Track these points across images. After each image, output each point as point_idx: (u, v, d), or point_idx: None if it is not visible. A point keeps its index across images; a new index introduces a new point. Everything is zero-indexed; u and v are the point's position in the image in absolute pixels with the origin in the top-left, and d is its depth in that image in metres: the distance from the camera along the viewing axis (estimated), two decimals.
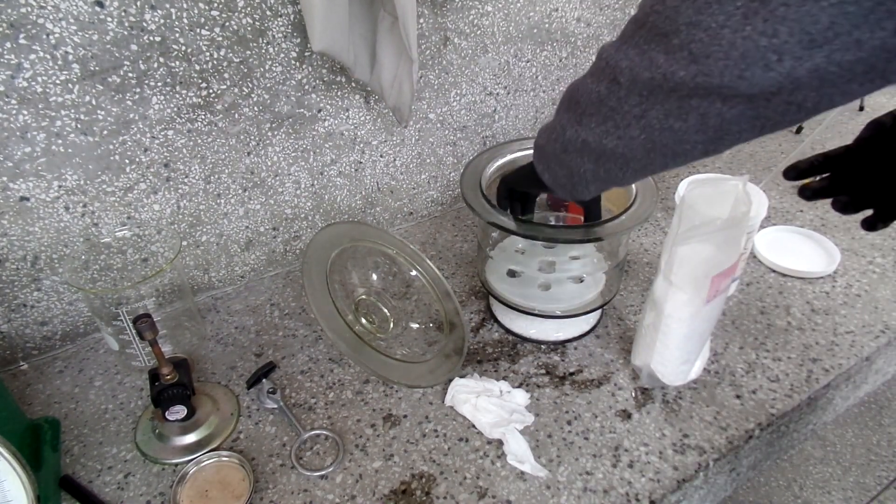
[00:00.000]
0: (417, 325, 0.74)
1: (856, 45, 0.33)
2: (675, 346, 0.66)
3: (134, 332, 0.70)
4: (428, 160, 1.02)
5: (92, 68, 0.67)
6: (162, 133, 0.75)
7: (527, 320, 0.79)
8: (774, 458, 0.78)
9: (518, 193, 0.68)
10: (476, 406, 0.69)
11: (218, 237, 0.87)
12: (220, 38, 0.73)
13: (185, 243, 0.85)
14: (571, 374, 0.75)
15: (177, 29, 0.70)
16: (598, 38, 1.08)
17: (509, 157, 0.79)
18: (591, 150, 0.50)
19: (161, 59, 0.70)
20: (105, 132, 0.71)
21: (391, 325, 0.73)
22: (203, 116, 0.77)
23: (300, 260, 0.96)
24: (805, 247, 0.95)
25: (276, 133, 0.83)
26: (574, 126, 0.51)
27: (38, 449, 0.65)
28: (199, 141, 0.78)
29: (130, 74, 0.69)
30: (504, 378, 0.74)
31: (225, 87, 0.76)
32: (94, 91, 0.68)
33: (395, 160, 0.98)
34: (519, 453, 0.64)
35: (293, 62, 0.79)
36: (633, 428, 0.68)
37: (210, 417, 0.69)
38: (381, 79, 0.79)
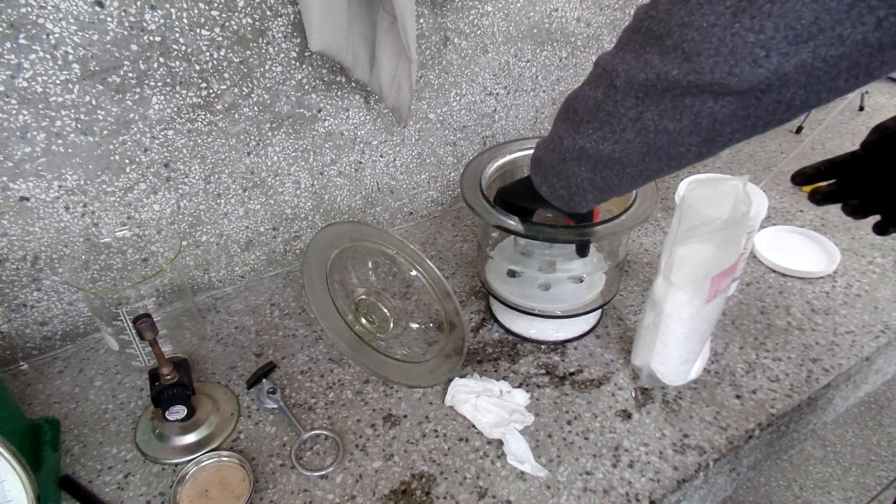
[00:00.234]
0: (417, 325, 0.74)
1: (839, 41, 0.34)
2: (675, 346, 0.66)
3: (134, 332, 0.70)
4: (428, 160, 1.02)
5: (92, 68, 0.67)
6: (162, 133, 0.75)
7: (527, 320, 0.79)
8: (774, 458, 0.78)
9: (515, 207, 0.68)
10: (476, 406, 0.69)
11: (218, 237, 0.87)
12: (220, 38, 0.73)
13: (185, 243, 0.85)
14: (571, 374, 0.75)
15: (177, 29, 0.70)
16: (597, 38, 1.08)
17: (509, 157, 0.79)
18: (589, 157, 0.51)
19: (161, 59, 0.70)
20: (105, 132, 0.71)
21: (391, 325, 0.73)
22: (203, 116, 0.77)
23: (300, 260, 0.96)
24: (805, 247, 0.95)
25: (276, 133, 0.83)
26: (572, 135, 0.52)
27: (38, 449, 0.65)
28: (199, 141, 0.78)
29: (130, 74, 0.69)
30: (504, 378, 0.74)
31: (225, 87, 0.76)
32: (94, 91, 0.68)
33: (395, 160, 0.98)
34: (519, 453, 0.64)
35: (293, 62, 0.79)
36: (633, 428, 0.68)
37: (210, 417, 0.69)
38: (380, 79, 0.79)
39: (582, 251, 0.73)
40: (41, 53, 0.64)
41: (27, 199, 0.71)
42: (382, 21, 0.75)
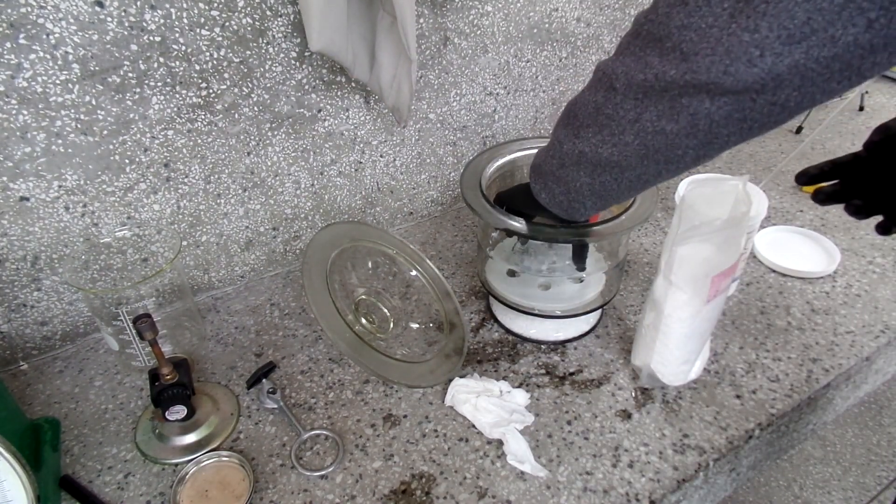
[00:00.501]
0: (417, 325, 0.74)
1: (831, 42, 0.35)
2: (675, 346, 0.66)
3: (134, 332, 0.70)
4: (428, 160, 1.02)
5: (92, 68, 0.67)
6: (162, 133, 0.75)
7: (527, 320, 0.79)
8: (774, 458, 0.78)
9: (513, 212, 0.68)
10: (476, 406, 0.69)
11: (218, 237, 0.87)
12: (220, 38, 0.73)
13: (185, 243, 0.85)
14: (571, 374, 0.75)
15: (177, 29, 0.70)
16: (597, 38, 1.08)
17: (509, 157, 0.79)
18: (588, 161, 0.51)
19: (161, 59, 0.70)
20: (105, 132, 0.71)
21: (391, 325, 0.73)
22: (203, 116, 0.77)
23: (300, 260, 0.96)
24: (805, 247, 0.95)
25: (276, 133, 0.83)
26: (571, 140, 0.52)
27: (38, 449, 0.65)
28: (199, 141, 0.78)
29: (130, 74, 0.69)
30: (504, 378, 0.74)
31: (225, 87, 0.76)
32: (94, 91, 0.68)
33: (395, 160, 0.98)
34: (519, 453, 0.64)
35: (293, 62, 0.79)
36: (633, 428, 0.68)
37: (210, 417, 0.69)
38: (380, 79, 0.79)
39: (579, 262, 0.73)
40: (41, 53, 0.64)
41: (27, 199, 0.71)
42: (382, 21, 0.75)
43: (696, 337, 0.66)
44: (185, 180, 0.80)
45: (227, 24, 0.72)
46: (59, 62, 0.65)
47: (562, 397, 0.72)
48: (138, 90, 0.71)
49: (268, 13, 0.74)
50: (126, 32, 0.67)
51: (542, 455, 0.65)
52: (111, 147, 0.72)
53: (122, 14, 0.66)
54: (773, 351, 0.77)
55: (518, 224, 0.67)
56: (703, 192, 0.61)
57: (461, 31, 0.91)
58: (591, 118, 0.49)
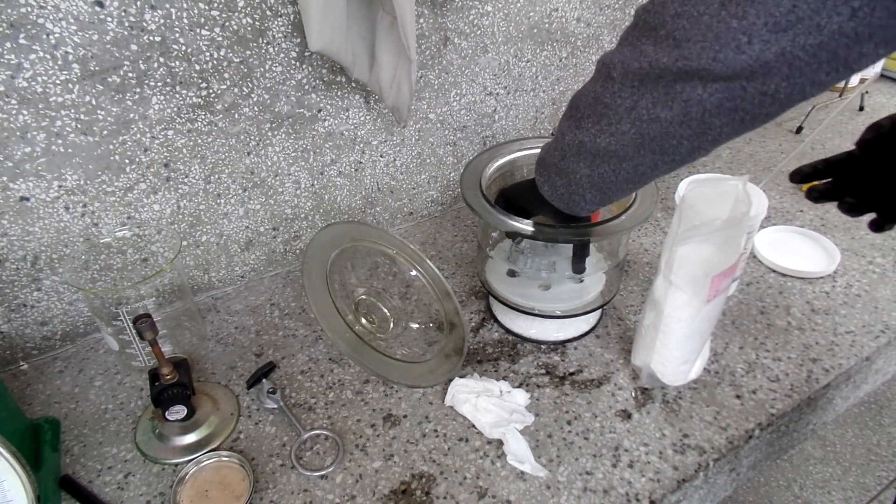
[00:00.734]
0: (417, 325, 0.74)
1: (816, 30, 0.36)
2: (675, 346, 0.66)
3: (134, 332, 0.70)
4: (428, 160, 1.02)
5: (92, 68, 0.67)
6: (162, 133, 0.75)
7: (527, 320, 0.79)
8: (774, 458, 0.78)
9: (517, 208, 0.68)
10: (476, 406, 0.69)
11: (218, 237, 0.87)
12: (220, 38, 0.73)
13: (185, 243, 0.85)
14: (571, 374, 0.75)
15: (177, 29, 0.70)
16: (597, 38, 1.08)
17: (509, 157, 0.79)
18: (587, 152, 0.51)
19: (161, 59, 0.70)
20: (105, 132, 0.71)
21: (391, 325, 0.73)
22: (203, 116, 0.77)
23: (300, 260, 0.96)
24: (805, 247, 0.95)
25: (276, 133, 0.83)
26: (573, 131, 0.53)
27: (38, 449, 0.65)
28: (199, 141, 0.78)
29: (130, 74, 0.69)
30: (504, 378, 0.74)
31: (225, 87, 0.76)
32: (94, 91, 0.68)
33: (395, 160, 0.98)
34: (519, 453, 0.64)
35: (293, 62, 0.79)
36: (633, 428, 0.68)
37: (210, 417, 0.69)
38: (379, 79, 0.79)
39: (579, 264, 0.73)
40: (41, 53, 0.64)
41: (27, 199, 0.71)
42: (382, 21, 0.75)
43: (696, 337, 0.66)
44: (185, 180, 0.80)
45: (227, 24, 0.72)
46: (59, 62, 0.65)
47: (562, 397, 0.72)
48: (138, 90, 0.71)
49: (268, 13, 0.74)
50: (126, 32, 0.67)
51: (542, 455, 0.65)
52: (111, 147, 0.72)
53: (122, 14, 0.66)
54: (773, 351, 0.77)
55: (517, 224, 0.67)
56: (703, 192, 0.61)
57: (461, 31, 0.91)
58: (591, 108, 0.50)
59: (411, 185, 1.03)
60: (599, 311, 0.82)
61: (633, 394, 0.72)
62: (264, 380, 0.74)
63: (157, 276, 0.72)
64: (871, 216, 0.58)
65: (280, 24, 0.76)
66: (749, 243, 0.82)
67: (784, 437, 0.75)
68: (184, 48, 0.71)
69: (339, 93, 0.86)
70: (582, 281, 0.79)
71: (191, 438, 0.67)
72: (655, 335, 0.67)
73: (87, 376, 0.77)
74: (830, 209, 1.03)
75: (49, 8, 0.62)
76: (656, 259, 0.93)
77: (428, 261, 0.66)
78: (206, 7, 0.70)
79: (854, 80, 1.45)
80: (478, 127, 1.04)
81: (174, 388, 0.64)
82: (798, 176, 0.61)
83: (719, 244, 0.59)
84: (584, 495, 0.61)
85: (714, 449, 0.65)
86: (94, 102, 0.69)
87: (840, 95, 1.38)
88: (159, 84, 0.72)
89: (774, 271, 0.91)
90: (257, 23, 0.74)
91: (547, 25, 1.00)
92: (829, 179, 0.60)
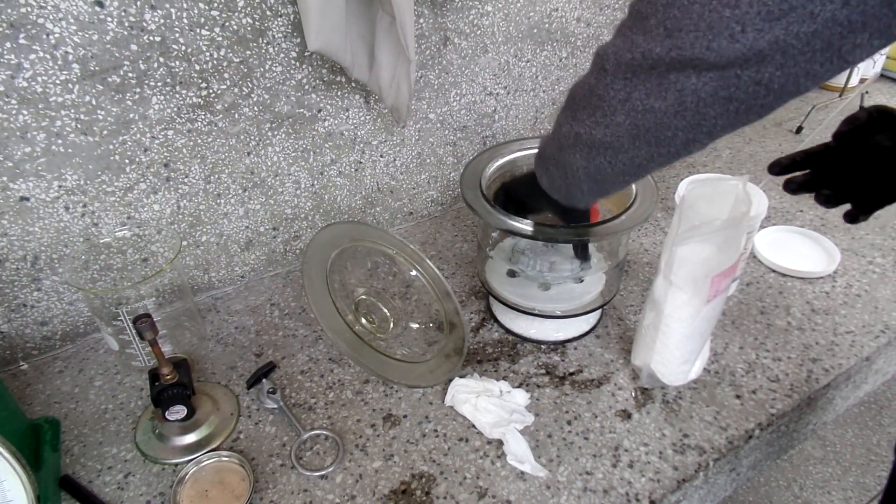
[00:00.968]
0: (417, 325, 0.74)
1: (810, 17, 0.35)
2: (675, 346, 0.66)
3: (134, 332, 0.70)
4: (428, 160, 1.02)
5: (92, 68, 0.67)
6: (162, 133, 0.75)
7: (527, 320, 0.79)
8: (774, 458, 0.78)
9: (516, 201, 0.69)
10: (476, 406, 0.69)
11: (218, 237, 0.87)
12: (220, 38, 0.73)
13: (185, 243, 0.85)
14: (571, 374, 0.75)
15: (177, 29, 0.70)
16: (598, 38, 1.08)
17: (509, 157, 0.79)
18: (583, 143, 0.52)
19: (161, 59, 0.70)
20: (105, 132, 0.71)
21: (391, 325, 0.73)
22: (203, 116, 0.77)
23: (300, 260, 0.96)
24: (805, 247, 0.95)
25: (276, 133, 0.83)
26: (569, 122, 0.53)
27: (38, 449, 0.65)
28: (199, 141, 0.78)
29: (130, 74, 0.69)
30: (504, 378, 0.74)
31: (225, 87, 0.76)
32: (94, 91, 0.68)
33: (395, 160, 0.98)
34: (519, 453, 0.64)
35: (293, 62, 0.79)
36: (633, 428, 0.68)
37: (210, 417, 0.69)
38: (379, 79, 0.79)
39: (583, 256, 0.73)
40: (41, 53, 0.64)
41: (27, 199, 0.71)
42: (381, 21, 0.75)
43: (696, 337, 0.66)
44: (185, 180, 0.80)
45: (227, 24, 0.72)
46: (59, 62, 0.65)
47: (562, 397, 0.72)
48: (138, 90, 0.71)
49: (268, 13, 0.74)
50: (126, 32, 0.67)
51: (542, 455, 0.65)
52: (111, 147, 0.72)
53: (122, 14, 0.66)
54: (773, 351, 0.77)
55: (517, 224, 0.67)
56: (703, 192, 0.61)
57: (461, 31, 0.91)
58: (586, 100, 0.50)
59: (411, 185, 1.03)
60: (599, 311, 0.82)
61: (633, 394, 0.72)
62: (264, 380, 0.74)
63: (157, 276, 0.72)
64: (845, 207, 0.59)
65: (280, 24, 0.76)
66: (749, 243, 0.82)
67: (784, 437, 0.75)
68: (184, 48, 0.71)
69: (339, 93, 0.86)
70: (582, 281, 0.79)
71: (191, 438, 0.67)
72: (655, 335, 0.67)
73: (87, 376, 0.77)
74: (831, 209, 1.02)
75: (49, 8, 0.62)
76: (656, 259, 0.93)
77: (428, 261, 0.66)
78: (206, 7, 0.70)
79: (854, 79, 1.45)
80: (478, 127, 1.04)
81: (174, 388, 0.64)
82: (777, 168, 0.61)
83: (719, 244, 0.59)
84: (584, 495, 0.61)
85: (714, 449, 0.65)
86: (94, 102, 0.69)
87: (840, 95, 1.38)
88: (159, 84, 0.72)
89: (774, 271, 0.91)
90: (257, 23, 0.74)
91: (547, 25, 1.00)
92: (807, 171, 0.60)
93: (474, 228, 1.04)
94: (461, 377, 0.72)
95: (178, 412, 0.65)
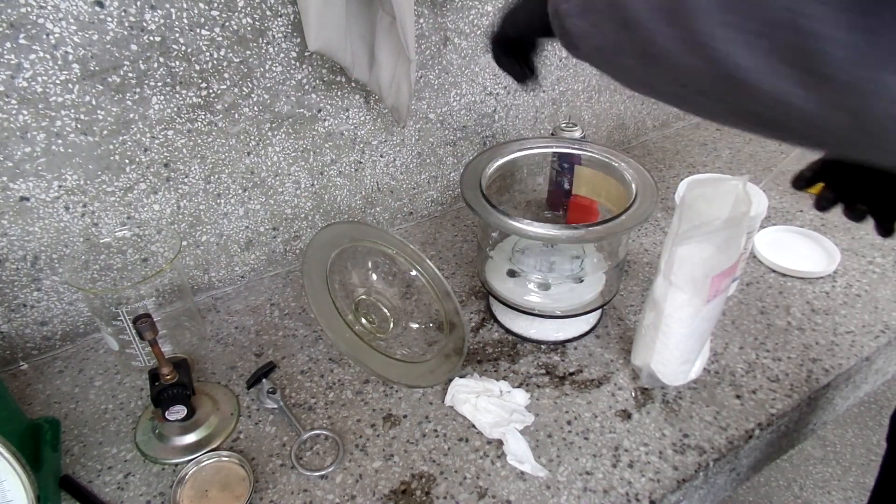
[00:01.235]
0: (417, 325, 0.74)
1: None
2: (675, 346, 0.66)
3: (134, 332, 0.70)
4: (428, 160, 1.02)
5: (92, 68, 0.67)
6: (162, 133, 0.75)
7: (527, 320, 0.79)
8: (774, 458, 0.78)
9: (513, 48, 0.55)
10: (476, 406, 0.69)
11: (218, 237, 0.87)
12: (220, 38, 0.73)
13: (185, 243, 0.85)
14: (571, 374, 0.75)
15: (177, 29, 0.70)
16: None
17: (509, 157, 0.79)
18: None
19: (161, 59, 0.70)
20: (105, 132, 0.71)
21: (391, 325, 0.73)
22: (203, 116, 0.77)
23: (300, 260, 0.96)
24: (805, 247, 0.95)
25: (276, 133, 0.83)
26: None
27: (38, 449, 0.65)
28: (199, 141, 0.78)
29: (130, 74, 0.69)
30: (504, 378, 0.74)
31: (225, 87, 0.76)
32: (94, 91, 0.68)
33: (395, 160, 0.98)
34: (519, 453, 0.64)
35: (293, 62, 0.79)
36: (633, 428, 0.68)
37: (210, 417, 0.69)
38: (379, 79, 0.79)
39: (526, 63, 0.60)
40: (41, 53, 0.64)
41: (27, 199, 0.71)
42: (382, 21, 0.75)
43: (696, 337, 0.66)
44: (185, 180, 0.80)
45: (227, 24, 0.72)
46: (59, 62, 0.65)
47: (562, 397, 0.72)
48: (138, 90, 0.71)
49: (268, 13, 0.74)
50: (126, 32, 0.67)
51: (542, 455, 0.65)
52: (111, 147, 0.72)
53: (122, 14, 0.66)
54: (773, 351, 0.77)
55: (518, 224, 0.67)
56: (703, 192, 0.61)
57: (461, 31, 0.91)
58: None
59: (411, 185, 1.03)
60: (599, 311, 0.82)
61: (633, 394, 0.72)
62: (264, 380, 0.74)
63: (157, 276, 0.72)
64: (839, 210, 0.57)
65: (280, 24, 0.76)
66: (749, 243, 0.82)
67: (784, 437, 0.75)
68: (184, 48, 0.71)
69: (339, 93, 0.86)
70: (582, 281, 0.79)
71: (191, 438, 0.67)
72: (655, 335, 0.67)
73: (87, 376, 0.77)
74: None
75: (49, 8, 0.62)
76: (656, 259, 0.93)
77: (428, 261, 0.66)
78: (206, 7, 0.70)
79: None
80: (478, 127, 1.04)
81: (174, 388, 0.64)
82: (801, 181, 0.59)
83: (719, 244, 0.59)
84: (584, 495, 0.61)
85: (714, 449, 0.65)
86: (94, 102, 0.69)
87: None
88: (159, 84, 0.72)
89: (774, 271, 0.91)
90: (257, 23, 0.74)
91: None
92: (833, 192, 0.58)
93: (474, 228, 1.04)
94: (461, 377, 0.72)
95: (178, 412, 0.66)
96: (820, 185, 0.59)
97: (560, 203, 0.85)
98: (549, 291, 0.78)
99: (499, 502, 0.61)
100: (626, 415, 0.69)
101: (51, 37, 0.64)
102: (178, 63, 0.72)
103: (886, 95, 0.27)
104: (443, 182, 1.06)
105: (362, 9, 0.74)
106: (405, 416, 0.70)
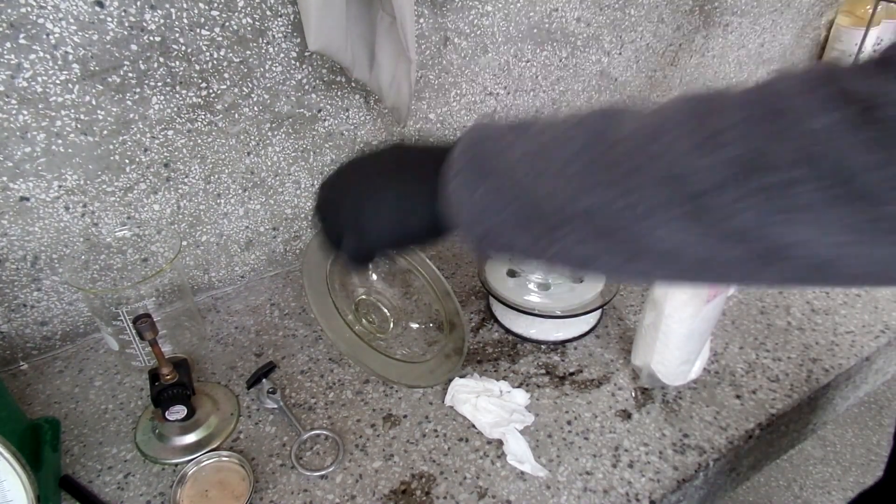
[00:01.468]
0: (417, 325, 0.74)
1: None
2: (675, 346, 0.66)
3: (134, 332, 0.70)
4: None
5: (92, 68, 0.67)
6: (162, 133, 0.75)
7: (527, 320, 0.79)
8: (774, 458, 0.78)
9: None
10: (476, 406, 0.69)
11: (218, 237, 0.87)
12: (220, 38, 0.73)
13: (185, 243, 0.85)
14: (571, 374, 0.75)
15: (177, 29, 0.70)
16: (597, 38, 1.08)
17: None
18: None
19: (161, 59, 0.70)
20: (105, 132, 0.71)
21: (391, 325, 0.73)
22: (203, 116, 0.77)
23: (300, 260, 0.96)
24: None
25: (276, 133, 0.83)
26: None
27: (38, 449, 0.65)
28: (199, 141, 0.78)
29: (130, 74, 0.69)
30: (504, 378, 0.74)
31: (225, 87, 0.76)
32: (94, 91, 0.68)
33: None
34: (519, 453, 0.64)
35: (293, 62, 0.79)
36: (633, 428, 0.68)
37: (210, 417, 0.69)
38: (379, 79, 0.79)
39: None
40: (41, 53, 0.64)
41: (27, 199, 0.71)
42: (382, 21, 0.75)
43: (696, 337, 0.66)
44: (185, 180, 0.80)
45: (227, 24, 0.72)
46: (59, 62, 0.65)
47: (562, 397, 0.72)
48: (138, 90, 0.71)
49: (268, 13, 0.74)
50: (126, 32, 0.67)
51: (542, 455, 0.65)
52: (111, 147, 0.72)
53: (122, 14, 0.66)
54: (773, 351, 0.77)
55: None
56: None
57: (461, 31, 0.91)
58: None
59: None
60: (599, 311, 0.82)
61: (633, 394, 0.72)
62: (264, 380, 0.74)
63: (157, 276, 0.72)
64: None
65: (280, 24, 0.76)
66: None
67: (784, 437, 0.75)
68: (184, 48, 0.71)
69: (339, 93, 0.86)
70: (582, 281, 0.79)
71: (191, 438, 0.67)
72: (655, 335, 0.67)
73: (87, 376, 0.77)
74: None
75: (49, 8, 0.62)
76: None
77: (428, 261, 0.66)
78: (206, 7, 0.70)
79: None
80: None
81: (174, 388, 0.64)
82: None
83: None
84: (584, 495, 0.61)
85: (714, 449, 0.65)
86: (94, 102, 0.69)
87: None
88: (159, 84, 0.72)
89: None
90: (257, 23, 0.74)
91: (547, 25, 1.00)
92: None
93: None
94: (461, 377, 0.72)
95: (178, 412, 0.65)
96: None
97: None
98: (549, 291, 0.78)
99: (499, 502, 0.61)
100: (626, 415, 0.69)
101: (51, 37, 0.64)
102: (178, 63, 0.72)
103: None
104: None
105: (362, 9, 0.74)
106: (405, 416, 0.70)
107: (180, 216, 0.82)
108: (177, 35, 0.70)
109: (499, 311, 0.83)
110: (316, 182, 0.91)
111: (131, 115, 0.72)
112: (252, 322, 0.85)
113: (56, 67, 0.65)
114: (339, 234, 0.44)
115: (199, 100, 0.75)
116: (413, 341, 0.74)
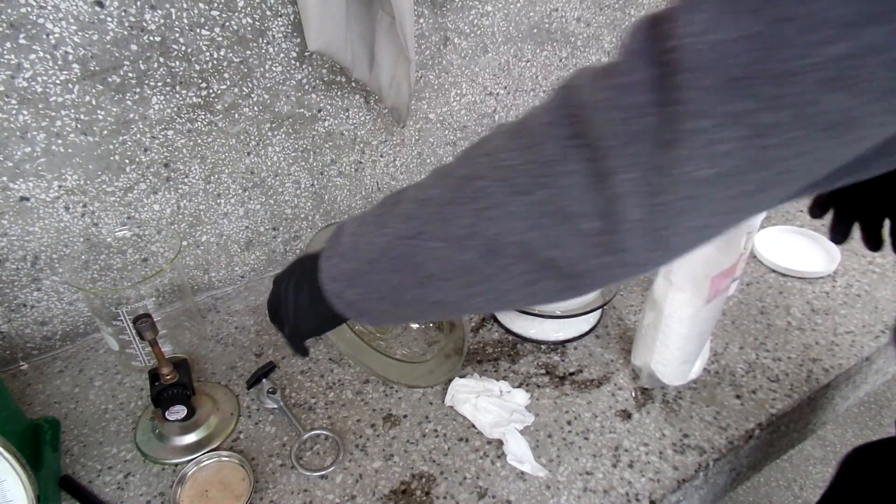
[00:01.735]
0: (417, 325, 0.74)
1: None
2: (675, 346, 0.66)
3: (134, 332, 0.70)
4: (428, 160, 1.02)
5: (92, 68, 0.67)
6: (162, 133, 0.75)
7: (527, 320, 0.79)
8: (774, 458, 0.78)
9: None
10: (476, 406, 0.69)
11: (218, 237, 0.87)
12: (220, 38, 0.73)
13: (185, 243, 0.85)
14: (571, 374, 0.75)
15: (177, 29, 0.70)
16: (597, 38, 1.08)
17: None
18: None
19: (161, 59, 0.70)
20: (105, 132, 0.71)
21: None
22: (203, 116, 0.77)
23: None
24: (805, 247, 0.95)
25: (276, 133, 0.83)
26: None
27: (38, 449, 0.65)
28: (199, 141, 0.78)
29: (130, 74, 0.69)
30: (504, 378, 0.74)
31: (225, 87, 0.76)
32: (94, 91, 0.68)
33: (395, 160, 0.98)
34: (519, 453, 0.64)
35: (293, 62, 0.79)
36: (633, 428, 0.68)
37: (210, 417, 0.69)
38: (379, 79, 0.79)
39: None
40: (41, 53, 0.64)
41: (27, 199, 0.71)
42: (381, 21, 0.75)
43: (696, 337, 0.66)
44: (185, 180, 0.80)
45: (227, 24, 0.72)
46: (59, 62, 0.65)
47: (562, 397, 0.72)
48: (138, 90, 0.71)
49: (268, 13, 0.74)
50: (126, 32, 0.67)
51: (542, 455, 0.65)
52: (111, 147, 0.73)
53: (122, 14, 0.66)
54: (773, 351, 0.77)
55: None
56: None
57: (461, 31, 0.91)
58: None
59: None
60: (599, 311, 0.82)
61: (633, 394, 0.72)
62: (264, 380, 0.74)
63: (157, 276, 0.72)
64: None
65: (280, 24, 0.76)
66: (749, 243, 0.82)
67: (784, 437, 0.75)
68: (184, 48, 0.71)
69: (339, 93, 0.86)
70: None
71: (191, 438, 0.67)
72: (655, 335, 0.67)
73: (87, 376, 0.77)
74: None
75: (49, 8, 0.62)
76: None
77: None
78: (206, 7, 0.70)
79: None
80: (478, 127, 1.04)
81: (174, 388, 0.64)
82: (818, 210, 0.59)
83: (719, 244, 0.59)
84: (584, 495, 0.61)
85: (714, 449, 0.65)
86: (94, 102, 0.69)
87: None
88: (159, 84, 0.72)
89: (774, 271, 0.91)
90: (257, 23, 0.74)
91: (547, 25, 1.00)
92: (846, 224, 0.59)
93: None
94: (461, 377, 0.72)
95: (178, 412, 0.65)
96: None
97: None
98: None
99: (499, 502, 0.61)
100: (626, 415, 0.69)
101: (51, 37, 0.64)
102: (178, 63, 0.72)
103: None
104: None
105: (362, 9, 0.74)
106: (405, 416, 0.70)
107: (180, 216, 0.82)
108: (177, 35, 0.70)
109: None
110: (316, 182, 0.91)
111: (131, 115, 0.72)
112: (252, 322, 0.85)
113: (56, 67, 0.65)
114: (280, 326, 0.57)
115: (199, 100, 0.75)
116: (413, 341, 0.74)
